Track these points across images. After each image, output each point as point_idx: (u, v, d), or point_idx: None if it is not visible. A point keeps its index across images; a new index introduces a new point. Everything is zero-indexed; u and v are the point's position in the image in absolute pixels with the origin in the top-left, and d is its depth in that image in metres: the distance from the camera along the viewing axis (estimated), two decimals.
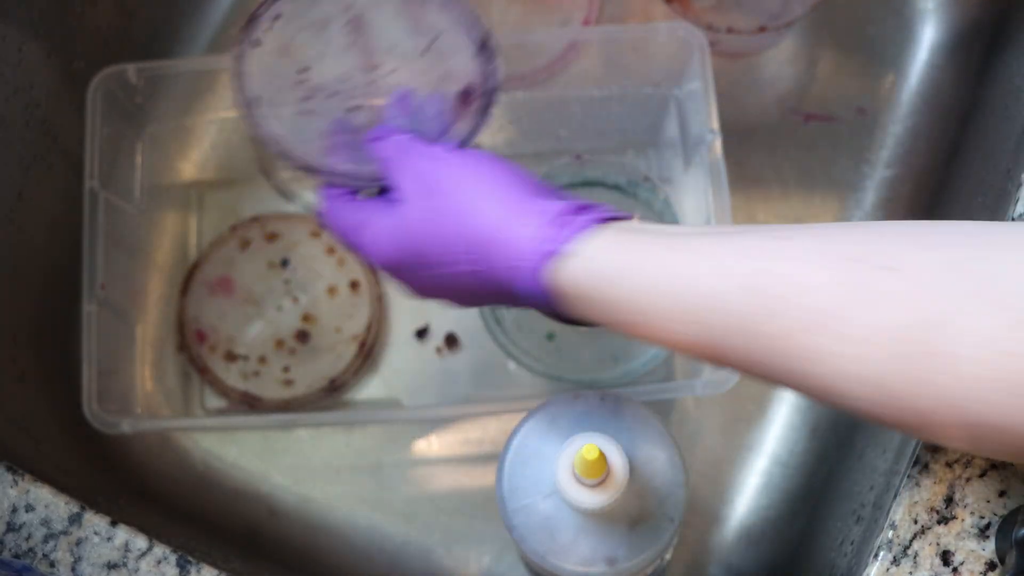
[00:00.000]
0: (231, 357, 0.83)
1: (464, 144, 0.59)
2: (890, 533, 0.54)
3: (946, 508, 0.54)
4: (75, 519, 0.59)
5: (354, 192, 0.59)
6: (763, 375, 0.48)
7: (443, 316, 0.84)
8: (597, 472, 0.54)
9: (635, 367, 0.79)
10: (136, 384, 0.82)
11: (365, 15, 0.61)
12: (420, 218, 0.54)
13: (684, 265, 0.48)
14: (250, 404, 0.82)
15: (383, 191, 0.58)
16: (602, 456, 0.54)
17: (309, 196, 0.87)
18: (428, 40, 0.61)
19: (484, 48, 0.60)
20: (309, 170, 0.59)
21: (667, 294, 0.48)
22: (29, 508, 0.59)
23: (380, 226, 0.56)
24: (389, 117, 0.60)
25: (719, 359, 0.49)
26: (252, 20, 0.60)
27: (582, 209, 0.52)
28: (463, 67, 0.60)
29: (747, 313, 0.46)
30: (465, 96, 0.60)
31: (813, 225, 0.48)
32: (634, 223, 0.52)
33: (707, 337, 0.48)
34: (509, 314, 0.80)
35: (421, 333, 0.84)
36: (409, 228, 0.55)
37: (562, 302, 0.52)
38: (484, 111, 0.60)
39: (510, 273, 0.52)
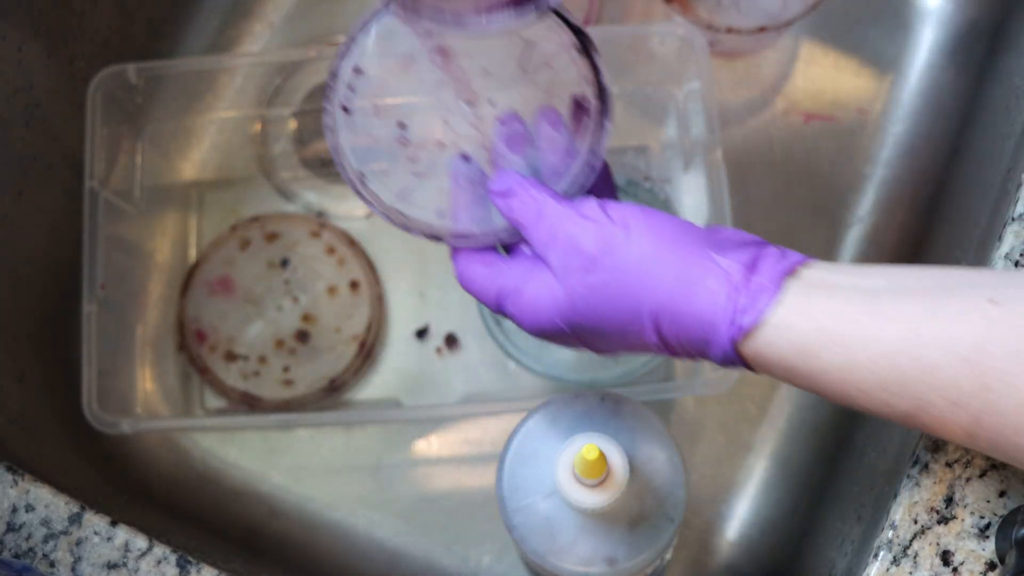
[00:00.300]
0: (231, 357, 0.83)
1: (595, 158, 0.54)
2: (890, 533, 0.54)
3: (946, 508, 0.54)
4: (75, 519, 0.59)
5: (489, 247, 0.55)
6: (990, 449, 0.46)
7: (443, 316, 0.84)
8: (597, 472, 0.54)
9: (635, 367, 0.79)
10: (136, 384, 0.82)
11: (448, 40, 0.55)
12: (584, 293, 0.50)
13: (897, 336, 0.45)
14: (250, 404, 0.82)
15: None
16: (602, 456, 0.54)
17: (309, 196, 0.87)
18: (521, 48, 0.55)
19: (584, 43, 0.55)
20: (436, 238, 0.54)
21: (878, 368, 0.46)
22: (29, 508, 0.59)
23: (536, 296, 0.52)
24: (503, 153, 0.55)
25: (937, 431, 0.47)
26: (331, 80, 0.55)
27: (762, 257, 0.49)
28: (567, 71, 0.55)
29: (976, 390, 0.44)
30: (579, 106, 0.55)
31: (1014, 274, 0.46)
32: (822, 273, 0.49)
33: (927, 411, 0.46)
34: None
35: (421, 333, 0.84)
36: (573, 304, 0.51)
37: (756, 367, 0.49)
38: (605, 115, 0.55)
39: (701, 346, 0.49)
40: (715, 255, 0.49)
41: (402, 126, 0.55)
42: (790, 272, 0.48)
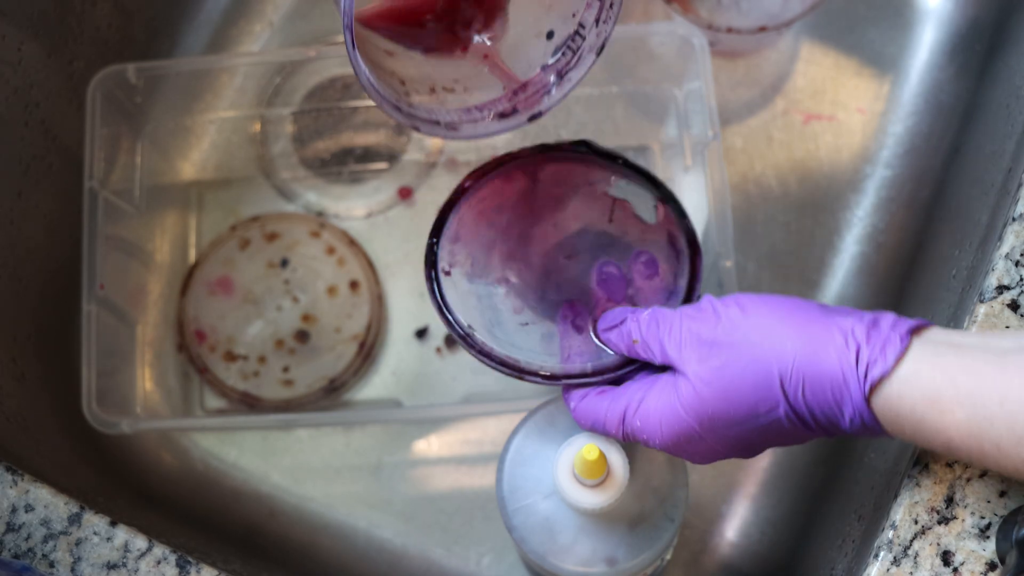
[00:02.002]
0: (231, 357, 0.83)
1: (694, 294, 0.58)
2: (890, 533, 0.54)
3: (946, 508, 0.54)
4: (75, 519, 0.59)
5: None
6: None
7: None
8: (597, 472, 0.54)
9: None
10: (136, 384, 0.82)
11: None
12: (710, 378, 0.50)
13: None
14: (250, 404, 0.82)
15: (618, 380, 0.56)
16: (602, 456, 0.54)
17: (309, 196, 0.87)
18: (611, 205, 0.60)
19: (664, 195, 0.60)
20: (554, 380, 0.57)
21: (1017, 425, 0.45)
22: (29, 508, 0.59)
23: (660, 401, 0.52)
24: (602, 299, 0.58)
25: None
26: (431, 246, 0.58)
27: (882, 317, 0.49)
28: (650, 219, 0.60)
29: None
30: (671, 247, 0.59)
31: None
32: (946, 334, 0.49)
33: None
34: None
35: (421, 333, 0.84)
36: (699, 395, 0.51)
37: (888, 425, 0.49)
38: (696, 255, 0.59)
39: (835, 407, 0.49)
40: (835, 318, 0.49)
41: (502, 281, 0.59)
42: (914, 330, 0.49)
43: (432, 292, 0.58)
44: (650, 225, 0.60)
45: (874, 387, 0.48)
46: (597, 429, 0.55)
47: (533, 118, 0.57)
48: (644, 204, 0.60)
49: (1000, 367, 0.46)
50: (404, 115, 0.54)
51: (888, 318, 0.49)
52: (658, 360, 0.54)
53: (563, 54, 0.56)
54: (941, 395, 0.47)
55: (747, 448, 0.53)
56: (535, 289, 0.59)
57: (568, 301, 0.59)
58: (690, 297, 0.59)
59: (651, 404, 0.53)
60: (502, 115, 0.56)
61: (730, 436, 0.52)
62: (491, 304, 0.59)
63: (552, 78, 0.56)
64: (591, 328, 0.58)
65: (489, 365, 0.57)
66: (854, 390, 0.48)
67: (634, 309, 0.56)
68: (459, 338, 0.57)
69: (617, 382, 0.56)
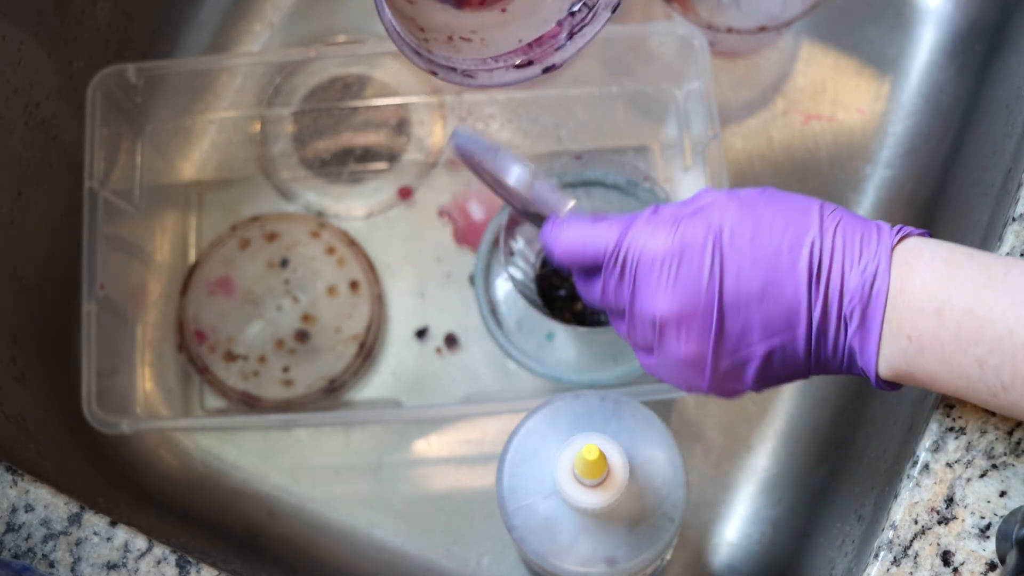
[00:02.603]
0: (231, 357, 0.83)
1: None
2: (890, 533, 0.54)
3: (946, 508, 0.54)
4: (75, 519, 0.59)
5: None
6: None
7: (443, 316, 0.84)
8: (597, 472, 0.54)
9: (635, 367, 0.79)
10: (136, 384, 0.82)
11: None
12: (752, 194, 0.51)
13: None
14: (250, 404, 0.82)
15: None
16: (602, 456, 0.54)
17: (309, 196, 0.87)
18: None
19: None
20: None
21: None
22: (29, 508, 0.59)
23: (683, 215, 0.51)
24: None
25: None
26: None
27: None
28: None
29: None
30: None
31: None
32: (938, 241, 0.51)
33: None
34: (509, 314, 0.80)
35: (421, 333, 0.84)
36: (741, 198, 0.51)
37: (895, 286, 0.49)
38: None
39: (860, 247, 0.49)
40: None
41: None
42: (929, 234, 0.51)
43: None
44: None
45: (902, 239, 0.50)
46: (579, 248, 0.54)
47: (547, 70, 0.56)
48: None
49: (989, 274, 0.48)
50: (423, 60, 0.54)
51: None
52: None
53: (579, 9, 0.56)
54: (954, 256, 0.49)
55: (739, 301, 0.51)
56: None
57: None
58: None
59: (668, 212, 0.52)
60: (517, 66, 0.56)
61: (738, 263, 0.50)
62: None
63: (566, 33, 0.56)
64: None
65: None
66: (884, 235, 0.50)
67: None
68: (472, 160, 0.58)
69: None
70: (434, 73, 0.54)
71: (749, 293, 0.50)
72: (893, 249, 0.50)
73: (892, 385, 0.52)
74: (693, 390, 0.55)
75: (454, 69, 0.55)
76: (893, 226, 0.51)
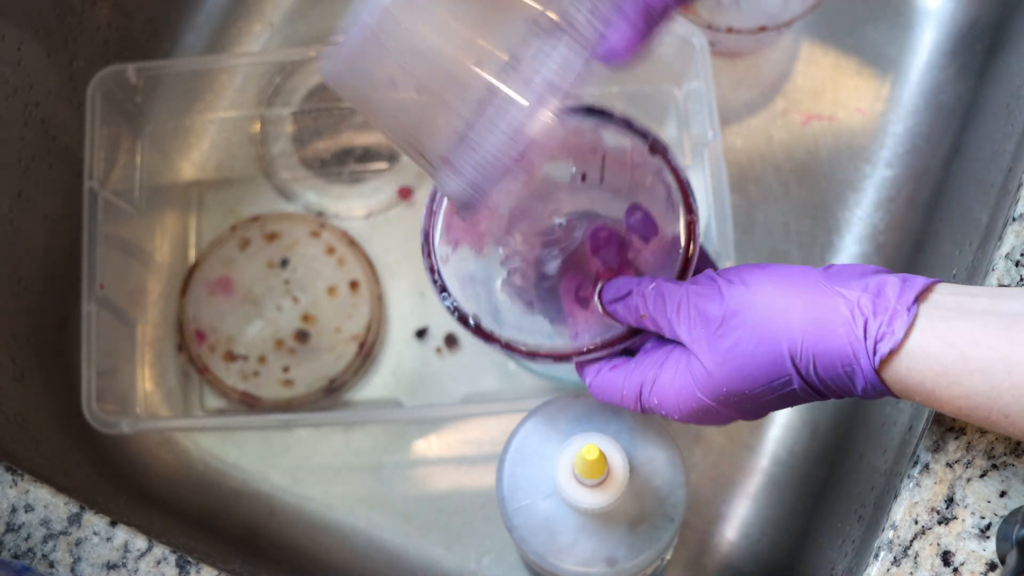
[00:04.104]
0: (231, 357, 0.83)
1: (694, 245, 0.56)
2: (890, 533, 0.54)
3: (947, 508, 0.54)
4: (75, 519, 0.59)
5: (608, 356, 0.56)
6: None
7: (443, 316, 0.84)
8: (597, 472, 0.54)
9: None
10: (136, 384, 0.82)
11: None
12: (722, 359, 0.50)
13: None
14: (250, 404, 0.82)
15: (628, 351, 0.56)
16: (602, 456, 0.54)
17: (309, 196, 0.87)
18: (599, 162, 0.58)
19: (655, 144, 0.58)
20: (564, 359, 0.56)
21: (1022, 394, 0.46)
22: (29, 508, 0.59)
23: (674, 378, 0.52)
24: (603, 248, 0.57)
25: None
26: (426, 237, 0.57)
27: (887, 284, 0.49)
28: (642, 171, 0.58)
29: None
30: (667, 199, 0.57)
31: None
32: (953, 296, 0.49)
33: None
34: (509, 314, 0.80)
35: (421, 333, 0.84)
36: (712, 375, 0.51)
37: (899, 393, 0.49)
38: (691, 200, 0.56)
39: (847, 380, 0.49)
40: (840, 289, 0.49)
41: (503, 262, 0.58)
42: (920, 296, 0.49)
43: (434, 283, 0.57)
44: (641, 178, 0.58)
45: (884, 361, 0.48)
46: (615, 403, 0.55)
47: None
48: (636, 151, 0.59)
49: (1008, 336, 0.47)
50: None
51: (894, 285, 0.49)
52: (667, 335, 0.53)
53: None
54: (949, 368, 0.47)
55: (766, 411, 0.53)
56: (533, 266, 0.58)
57: (568, 274, 0.58)
58: (688, 259, 0.57)
59: (666, 381, 0.53)
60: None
61: (747, 407, 0.52)
62: (492, 289, 0.58)
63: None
64: (596, 301, 0.56)
65: (499, 350, 0.56)
66: (864, 365, 0.48)
67: (639, 280, 0.55)
68: (465, 326, 0.57)
69: (629, 351, 0.56)
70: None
71: (766, 411, 0.53)
72: (881, 372, 0.49)
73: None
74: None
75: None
76: (868, 331, 0.49)
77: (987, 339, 0.47)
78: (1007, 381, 0.46)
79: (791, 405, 0.52)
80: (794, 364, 0.49)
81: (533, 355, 0.56)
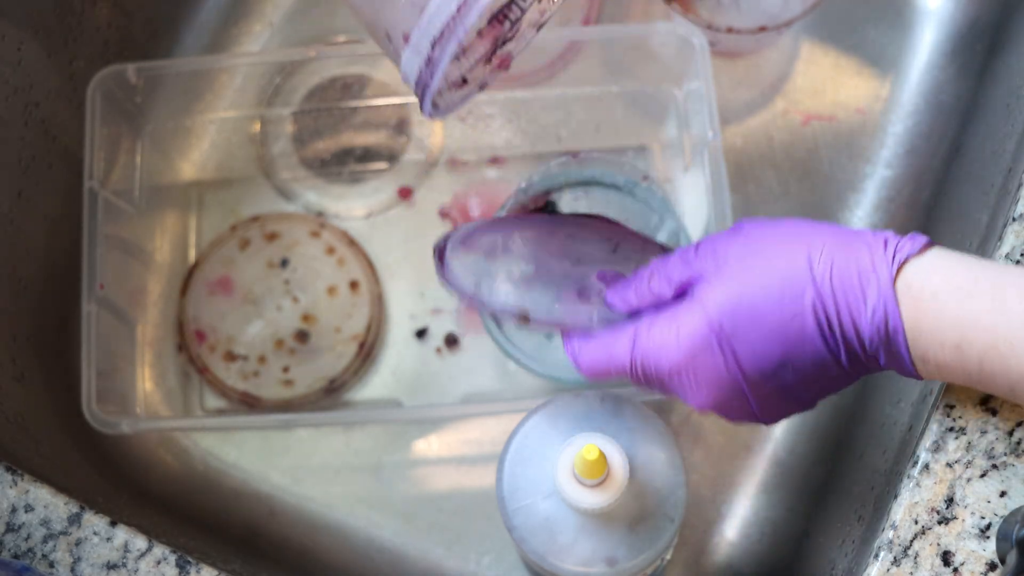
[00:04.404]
0: (231, 357, 0.83)
1: None
2: (890, 533, 0.54)
3: (947, 508, 0.54)
4: (74, 519, 0.59)
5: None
6: None
7: (443, 316, 0.84)
8: (597, 472, 0.54)
9: None
10: (136, 384, 0.82)
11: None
12: (736, 270, 0.50)
13: None
14: (250, 404, 0.82)
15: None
16: (602, 456, 0.54)
17: (309, 196, 0.87)
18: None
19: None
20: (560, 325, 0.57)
21: None
22: (28, 508, 0.59)
23: (680, 316, 0.51)
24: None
25: None
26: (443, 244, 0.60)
27: (892, 233, 0.51)
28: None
29: None
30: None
31: None
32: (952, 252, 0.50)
33: None
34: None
35: (421, 333, 0.84)
36: (727, 287, 0.50)
37: (907, 317, 0.49)
38: None
39: (861, 289, 0.49)
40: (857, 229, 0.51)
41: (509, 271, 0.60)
42: (928, 242, 0.50)
43: (441, 278, 0.59)
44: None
45: (901, 268, 0.48)
46: (603, 369, 0.54)
47: (482, 87, 0.57)
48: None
49: (1020, 270, 0.48)
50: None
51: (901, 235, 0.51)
52: (675, 281, 0.52)
53: (498, 21, 0.56)
54: (963, 283, 0.48)
55: (767, 358, 0.51)
56: (541, 278, 0.60)
57: (573, 289, 0.59)
58: None
59: (664, 320, 0.52)
60: (457, 85, 0.56)
61: (750, 346, 0.50)
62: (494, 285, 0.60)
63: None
64: (599, 299, 0.57)
65: (498, 312, 0.57)
66: (882, 272, 0.49)
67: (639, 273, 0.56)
68: (465, 296, 0.57)
69: None
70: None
71: (771, 366, 0.51)
72: (895, 281, 0.49)
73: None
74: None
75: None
76: (888, 243, 0.50)
77: (1001, 268, 0.48)
78: (1020, 306, 0.46)
79: (795, 363, 0.50)
80: (811, 269, 0.49)
81: (529, 321, 0.57)
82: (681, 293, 0.53)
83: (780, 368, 0.51)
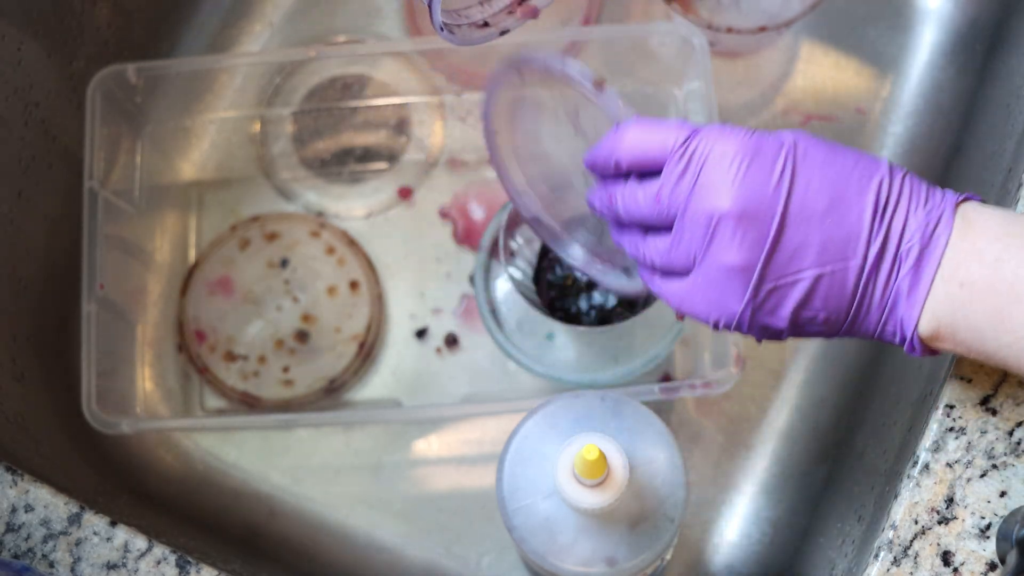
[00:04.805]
0: (231, 357, 0.83)
1: None
2: (891, 533, 0.54)
3: (947, 508, 0.54)
4: (75, 519, 0.59)
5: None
6: None
7: (443, 316, 0.84)
8: (597, 472, 0.54)
9: (635, 367, 0.79)
10: (136, 384, 0.82)
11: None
12: (819, 140, 0.51)
13: None
14: (250, 404, 0.82)
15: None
16: (602, 456, 0.54)
17: (309, 196, 0.87)
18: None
19: None
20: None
21: None
22: (28, 508, 0.59)
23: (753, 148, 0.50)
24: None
25: None
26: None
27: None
28: None
29: None
30: None
31: None
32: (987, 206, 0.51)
33: None
34: (510, 314, 0.80)
35: (421, 333, 0.84)
36: (811, 140, 0.51)
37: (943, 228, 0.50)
38: None
39: (925, 196, 0.50)
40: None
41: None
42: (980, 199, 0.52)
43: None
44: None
45: (965, 200, 0.51)
46: (649, 141, 0.52)
47: (503, 33, 0.57)
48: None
49: None
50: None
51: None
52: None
53: None
54: (1014, 219, 0.50)
55: (802, 215, 0.50)
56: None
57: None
58: None
59: (736, 127, 0.52)
60: (478, 26, 0.56)
61: (807, 175, 0.50)
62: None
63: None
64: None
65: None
66: (947, 193, 0.51)
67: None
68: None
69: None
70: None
71: (814, 208, 0.50)
72: (957, 206, 0.50)
73: (924, 349, 0.51)
74: (724, 320, 0.52)
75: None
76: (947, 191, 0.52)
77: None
78: None
79: (837, 215, 0.50)
80: (889, 166, 0.51)
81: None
82: None
83: (819, 217, 0.50)
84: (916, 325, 0.50)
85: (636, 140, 0.53)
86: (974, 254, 0.49)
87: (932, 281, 0.49)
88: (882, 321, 0.51)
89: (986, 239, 0.49)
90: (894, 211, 0.50)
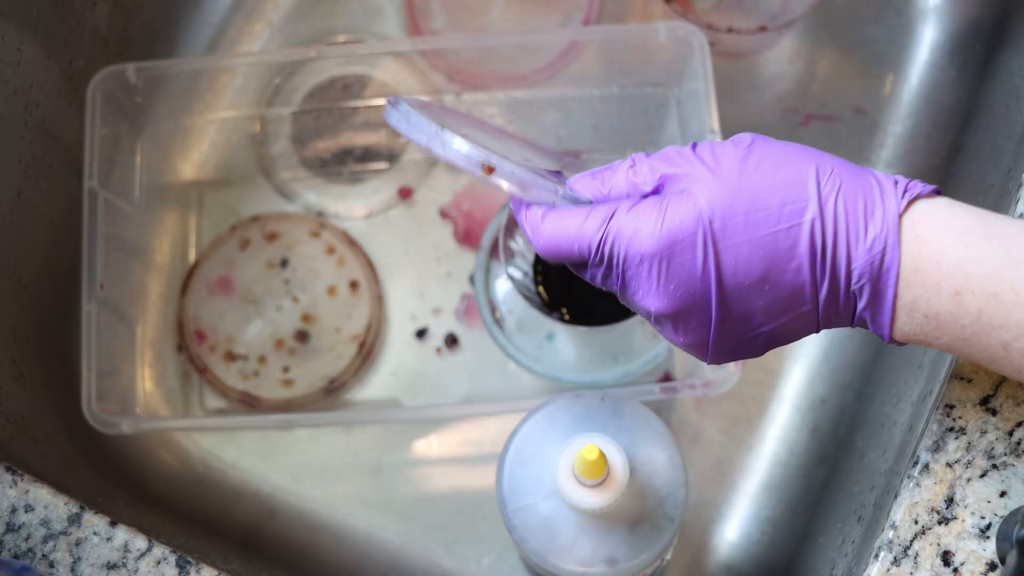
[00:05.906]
0: (231, 357, 0.83)
1: None
2: (891, 533, 0.54)
3: (947, 508, 0.54)
4: (74, 519, 0.59)
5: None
6: None
7: (443, 316, 0.84)
8: (597, 472, 0.54)
9: (635, 367, 0.79)
10: (136, 384, 0.82)
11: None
12: (739, 168, 0.47)
13: None
14: (250, 404, 0.82)
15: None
16: (602, 456, 0.54)
17: (309, 196, 0.87)
18: None
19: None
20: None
21: None
22: (28, 508, 0.59)
23: (668, 202, 0.47)
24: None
25: None
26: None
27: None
28: None
29: None
30: None
31: None
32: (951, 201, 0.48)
33: None
34: (510, 314, 0.80)
35: (421, 333, 0.84)
36: (726, 180, 0.47)
37: (907, 254, 0.46)
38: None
39: (865, 217, 0.46)
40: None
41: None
42: (937, 190, 0.48)
43: (390, 105, 0.55)
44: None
45: (909, 206, 0.47)
46: (564, 243, 0.49)
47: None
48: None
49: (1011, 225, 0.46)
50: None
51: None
52: (660, 173, 0.49)
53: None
54: (970, 229, 0.46)
55: (741, 287, 0.48)
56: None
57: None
58: None
59: (648, 205, 0.48)
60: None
61: (734, 252, 0.47)
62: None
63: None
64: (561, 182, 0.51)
65: (461, 159, 0.50)
66: (889, 204, 0.47)
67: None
68: (422, 141, 0.52)
69: None
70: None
71: (749, 281, 0.48)
72: (902, 217, 0.47)
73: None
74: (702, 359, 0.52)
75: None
76: (899, 182, 0.48)
77: (1009, 219, 0.47)
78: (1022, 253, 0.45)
79: (777, 272, 0.47)
80: (818, 184, 0.47)
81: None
82: (657, 191, 0.49)
83: (757, 285, 0.48)
84: (890, 338, 0.49)
85: (551, 241, 0.50)
86: (932, 288, 0.46)
87: (893, 311, 0.48)
88: (856, 326, 0.50)
89: (942, 268, 0.46)
90: (833, 253, 0.47)
